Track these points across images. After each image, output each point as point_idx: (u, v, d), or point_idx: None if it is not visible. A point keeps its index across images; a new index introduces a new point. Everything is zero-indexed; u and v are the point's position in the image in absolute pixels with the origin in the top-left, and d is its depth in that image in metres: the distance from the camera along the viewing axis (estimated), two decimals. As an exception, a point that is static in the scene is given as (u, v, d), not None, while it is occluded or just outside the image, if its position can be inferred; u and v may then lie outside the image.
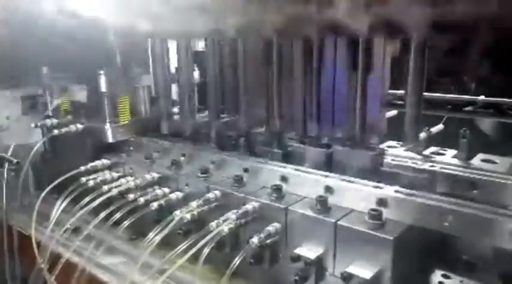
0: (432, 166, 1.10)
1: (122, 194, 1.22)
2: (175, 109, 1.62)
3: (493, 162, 1.13)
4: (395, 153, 1.21)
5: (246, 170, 1.16)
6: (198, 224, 1.06)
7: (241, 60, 1.29)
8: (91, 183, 1.30)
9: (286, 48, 1.18)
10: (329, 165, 1.17)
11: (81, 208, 1.19)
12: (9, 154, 1.63)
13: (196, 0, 0.91)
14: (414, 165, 1.12)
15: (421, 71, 0.97)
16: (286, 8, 0.84)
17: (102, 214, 1.14)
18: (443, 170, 1.08)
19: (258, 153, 1.31)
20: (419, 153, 1.19)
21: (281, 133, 1.29)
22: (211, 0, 0.90)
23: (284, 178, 1.09)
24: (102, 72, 1.41)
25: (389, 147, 1.26)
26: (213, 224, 0.97)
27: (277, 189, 1.03)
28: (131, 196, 1.18)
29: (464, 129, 1.16)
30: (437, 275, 0.91)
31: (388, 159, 1.16)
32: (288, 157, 1.26)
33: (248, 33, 1.18)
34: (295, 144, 1.28)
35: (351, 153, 1.13)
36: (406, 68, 1.00)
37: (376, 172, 1.10)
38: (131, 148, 1.47)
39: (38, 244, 1.23)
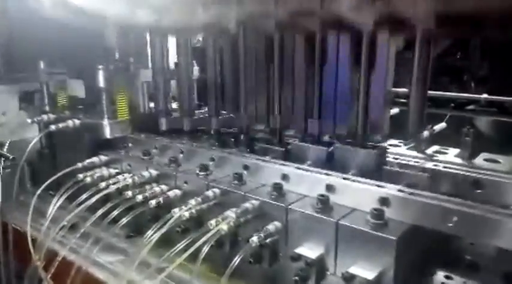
0: (436, 165, 1.08)
1: (120, 191, 1.20)
2: (175, 105, 1.61)
3: (496, 161, 1.11)
4: (398, 151, 1.19)
5: (246, 167, 1.15)
6: (197, 222, 1.04)
7: (242, 54, 1.27)
8: (88, 179, 1.28)
9: (288, 43, 1.17)
10: (330, 163, 1.15)
11: (78, 205, 1.17)
12: (5, 150, 1.61)
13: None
14: (416, 164, 1.10)
15: (426, 65, 0.96)
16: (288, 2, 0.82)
17: (100, 212, 1.12)
18: (447, 169, 1.06)
19: (258, 151, 1.29)
20: (422, 152, 1.17)
21: (281, 130, 1.27)
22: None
23: (285, 177, 1.07)
24: (100, 67, 1.39)
25: (391, 145, 1.25)
26: (212, 222, 0.95)
27: (278, 188, 1.01)
28: (129, 193, 1.16)
29: (468, 127, 1.14)
30: (440, 276, 0.90)
31: (390, 158, 1.14)
32: (288, 155, 1.24)
33: (249, 27, 1.17)
34: (295, 141, 1.26)
35: (352, 151, 1.11)
36: (410, 64, 0.98)
37: (378, 170, 1.08)
38: (129, 144, 1.45)
39: (34, 241, 1.21)
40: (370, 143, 1.12)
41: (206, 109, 1.55)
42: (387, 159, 1.13)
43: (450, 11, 0.68)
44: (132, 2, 1.02)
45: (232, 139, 1.38)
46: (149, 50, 1.51)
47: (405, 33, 0.94)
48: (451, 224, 0.83)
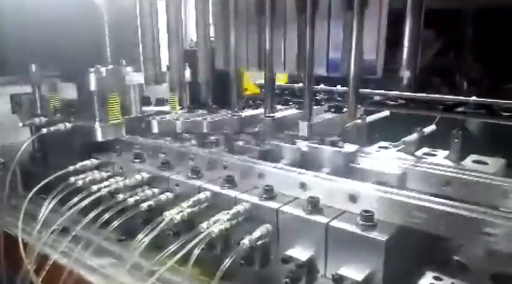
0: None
1: (111, 194, 1.20)
2: (167, 108, 1.61)
3: (484, 163, 1.13)
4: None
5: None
6: (189, 225, 1.04)
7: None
8: (80, 182, 1.28)
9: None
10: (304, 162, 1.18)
11: (70, 208, 1.17)
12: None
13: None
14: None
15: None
16: None
17: (91, 215, 1.12)
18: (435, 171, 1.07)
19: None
20: (411, 154, 1.18)
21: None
22: None
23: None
24: (92, 70, 1.39)
25: (381, 147, 1.26)
26: (203, 225, 0.96)
27: (269, 190, 1.02)
28: (120, 196, 1.16)
29: (456, 129, 1.16)
30: (428, 277, 0.90)
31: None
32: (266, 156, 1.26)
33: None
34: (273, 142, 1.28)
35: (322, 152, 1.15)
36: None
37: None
38: (121, 147, 1.45)
39: (25, 245, 1.20)
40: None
41: (199, 111, 1.56)
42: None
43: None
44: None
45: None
46: (141, 53, 1.51)
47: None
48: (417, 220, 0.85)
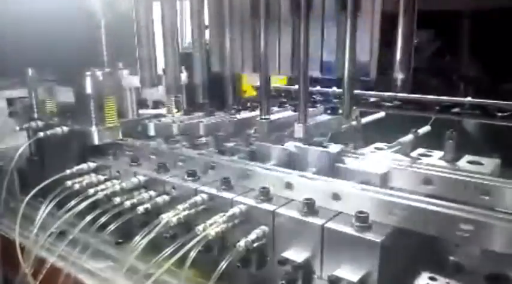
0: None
1: (108, 197, 1.20)
2: (163, 111, 1.62)
3: (479, 164, 1.13)
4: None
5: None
6: (186, 227, 1.05)
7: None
8: (77, 186, 1.28)
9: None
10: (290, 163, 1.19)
11: (67, 211, 1.17)
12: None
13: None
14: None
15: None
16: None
17: (88, 218, 1.13)
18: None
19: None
20: (407, 155, 1.19)
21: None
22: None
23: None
24: (88, 73, 1.39)
25: (376, 148, 1.26)
26: (200, 228, 0.96)
27: (265, 192, 1.03)
28: (117, 199, 1.17)
29: (451, 130, 1.16)
30: (424, 278, 0.91)
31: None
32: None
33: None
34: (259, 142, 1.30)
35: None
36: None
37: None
38: (118, 150, 1.45)
39: (23, 248, 1.21)
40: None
41: (195, 114, 1.56)
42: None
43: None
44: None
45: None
46: (137, 56, 1.51)
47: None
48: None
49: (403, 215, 0.88)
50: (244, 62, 1.37)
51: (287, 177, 1.06)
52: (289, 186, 1.04)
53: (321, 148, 1.18)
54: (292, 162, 1.21)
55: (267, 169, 1.12)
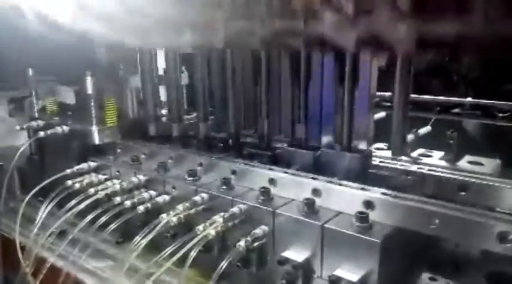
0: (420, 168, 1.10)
1: (108, 197, 1.20)
2: (164, 111, 1.62)
3: (480, 164, 1.13)
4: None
5: (233, 172, 1.16)
6: (187, 227, 1.05)
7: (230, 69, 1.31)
8: (77, 185, 1.29)
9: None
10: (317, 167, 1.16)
11: (67, 211, 1.18)
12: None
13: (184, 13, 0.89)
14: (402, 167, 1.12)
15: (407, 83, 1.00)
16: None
17: (88, 217, 1.13)
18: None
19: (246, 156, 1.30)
20: (407, 155, 1.19)
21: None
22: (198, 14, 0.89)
23: (272, 181, 1.08)
24: (89, 73, 1.39)
25: (377, 149, 1.26)
26: (200, 227, 0.96)
27: (265, 192, 1.03)
28: (117, 199, 1.17)
29: (451, 130, 1.16)
30: (424, 278, 0.91)
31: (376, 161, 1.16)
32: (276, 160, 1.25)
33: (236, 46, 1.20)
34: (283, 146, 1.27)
35: (338, 155, 1.13)
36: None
37: (364, 174, 1.10)
38: (118, 150, 1.45)
39: (23, 248, 1.21)
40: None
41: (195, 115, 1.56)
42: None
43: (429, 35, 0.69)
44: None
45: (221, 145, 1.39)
46: (138, 57, 1.51)
47: (387, 53, 0.97)
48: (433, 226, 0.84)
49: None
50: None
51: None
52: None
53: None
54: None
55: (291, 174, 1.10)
